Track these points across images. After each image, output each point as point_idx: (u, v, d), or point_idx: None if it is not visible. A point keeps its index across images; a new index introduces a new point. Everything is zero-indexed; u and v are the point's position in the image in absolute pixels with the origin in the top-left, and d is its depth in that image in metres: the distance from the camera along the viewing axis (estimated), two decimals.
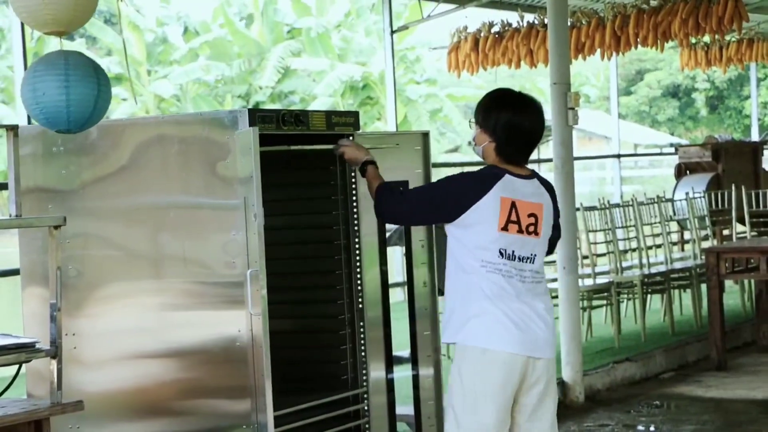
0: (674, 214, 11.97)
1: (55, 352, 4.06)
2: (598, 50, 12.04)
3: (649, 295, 10.33)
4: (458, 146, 29.04)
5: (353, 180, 5.08)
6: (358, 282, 5.07)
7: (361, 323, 5.06)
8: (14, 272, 6.69)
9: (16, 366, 4.21)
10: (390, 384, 5.11)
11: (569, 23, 10.79)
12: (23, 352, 4.07)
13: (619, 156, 16.69)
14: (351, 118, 5.09)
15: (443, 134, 29.99)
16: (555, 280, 9.02)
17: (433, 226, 5.35)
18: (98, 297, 4.78)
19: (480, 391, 4.24)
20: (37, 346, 4.12)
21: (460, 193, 4.28)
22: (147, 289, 4.69)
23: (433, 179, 5.42)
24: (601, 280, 9.85)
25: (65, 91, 4.09)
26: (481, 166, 4.43)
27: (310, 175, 5.21)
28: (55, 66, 4.12)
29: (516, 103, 4.38)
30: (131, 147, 4.73)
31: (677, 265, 10.65)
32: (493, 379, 4.23)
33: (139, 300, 4.70)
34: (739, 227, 12.42)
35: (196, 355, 4.56)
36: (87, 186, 4.79)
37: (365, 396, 5.04)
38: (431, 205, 4.36)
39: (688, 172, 14.57)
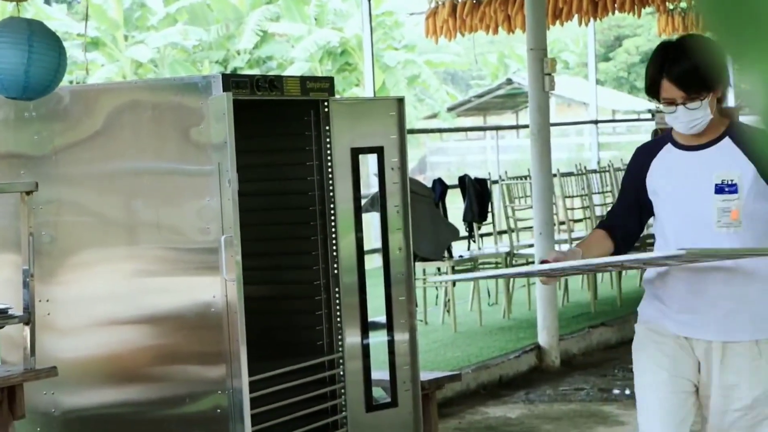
0: None
1: (28, 318, 4.05)
2: (576, 16, 12.02)
3: None
4: (436, 113, 28.98)
5: (328, 146, 5.07)
6: (334, 248, 5.07)
7: (337, 289, 5.06)
8: None
9: None
10: (365, 349, 5.11)
11: None
12: None
13: (596, 122, 16.71)
14: (326, 84, 5.06)
15: (421, 100, 29.92)
16: (531, 245, 9.05)
17: (409, 191, 5.34)
18: (72, 263, 4.76)
19: None
20: (10, 312, 4.11)
21: None
22: (121, 255, 4.67)
23: (409, 145, 5.41)
24: None
25: (27, 61, 4.09)
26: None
27: (284, 141, 5.19)
28: (18, 34, 4.12)
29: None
30: (104, 112, 4.70)
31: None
32: None
33: (113, 266, 4.69)
34: None
35: (170, 321, 4.56)
36: (59, 152, 4.77)
37: (341, 361, 5.05)
38: None
39: None
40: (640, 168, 3.83)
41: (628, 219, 3.92)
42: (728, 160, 3.65)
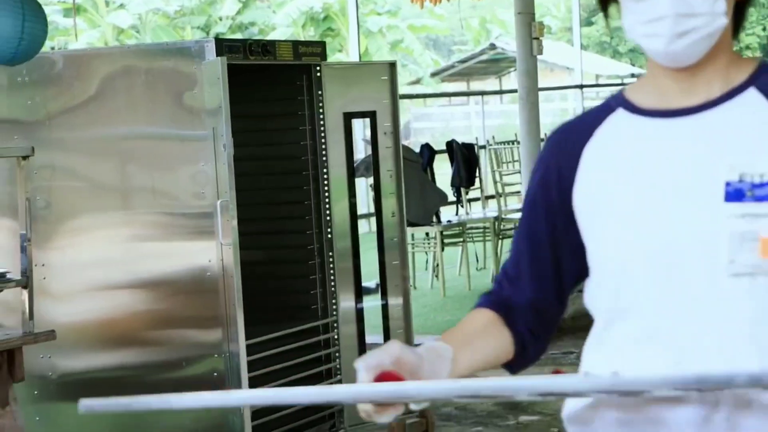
0: None
1: (26, 282, 4.06)
2: None
3: None
4: (420, 78, 28.93)
5: (321, 110, 5.08)
6: (327, 212, 5.09)
7: (330, 253, 5.09)
8: None
9: None
10: (359, 313, 5.15)
11: None
12: None
13: (581, 87, 16.73)
14: (318, 48, 5.07)
15: (404, 66, 29.83)
16: (519, 210, 9.07)
17: (401, 158, 5.36)
18: (67, 228, 4.77)
19: None
20: (8, 276, 4.11)
21: None
22: (116, 220, 4.68)
23: (401, 110, 5.43)
24: None
25: (21, 30, 4.02)
26: None
27: (277, 106, 5.20)
28: (12, 2, 4.05)
29: None
30: (97, 78, 4.69)
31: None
32: None
33: (108, 231, 4.70)
34: None
35: (166, 285, 4.58)
36: (53, 117, 4.76)
37: (335, 325, 5.08)
38: None
39: None
40: (558, 168, 1.88)
41: (538, 281, 1.95)
42: (756, 133, 1.75)
